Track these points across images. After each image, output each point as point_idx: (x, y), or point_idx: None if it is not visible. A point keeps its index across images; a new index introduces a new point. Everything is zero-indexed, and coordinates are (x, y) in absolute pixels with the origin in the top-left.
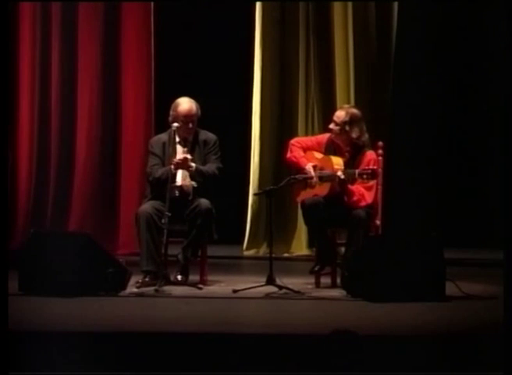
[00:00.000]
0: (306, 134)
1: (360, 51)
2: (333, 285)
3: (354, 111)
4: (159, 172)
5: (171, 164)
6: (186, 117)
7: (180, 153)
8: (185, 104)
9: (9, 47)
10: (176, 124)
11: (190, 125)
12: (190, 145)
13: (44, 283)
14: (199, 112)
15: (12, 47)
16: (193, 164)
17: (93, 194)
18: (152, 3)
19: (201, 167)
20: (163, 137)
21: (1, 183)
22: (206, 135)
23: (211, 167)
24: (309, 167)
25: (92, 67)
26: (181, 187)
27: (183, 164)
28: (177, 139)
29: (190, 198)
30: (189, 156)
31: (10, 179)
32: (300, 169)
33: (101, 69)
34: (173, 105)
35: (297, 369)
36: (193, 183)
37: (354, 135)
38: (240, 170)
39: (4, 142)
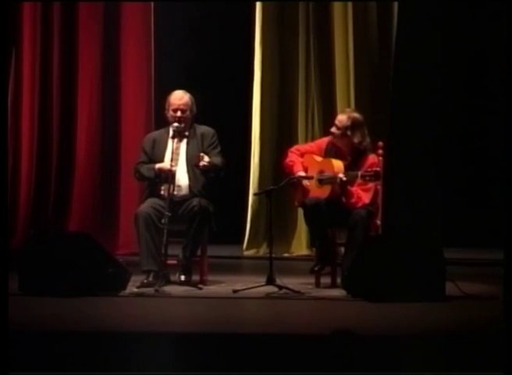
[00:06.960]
0: (306, 134)
1: (360, 51)
2: (333, 285)
3: (356, 115)
4: (145, 170)
5: (156, 167)
6: (175, 104)
7: (172, 148)
8: (176, 92)
9: (10, 47)
10: (176, 124)
11: (179, 113)
12: (187, 139)
13: (44, 283)
14: (193, 105)
15: (13, 47)
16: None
17: (93, 194)
18: (152, 3)
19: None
20: (155, 133)
21: (1, 183)
22: (203, 129)
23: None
24: (299, 175)
25: (92, 67)
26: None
27: (166, 174)
28: (171, 134)
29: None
30: (174, 169)
31: (10, 179)
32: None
33: (101, 69)
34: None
35: (297, 369)
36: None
37: (356, 140)
38: (240, 170)
39: (4, 142)
